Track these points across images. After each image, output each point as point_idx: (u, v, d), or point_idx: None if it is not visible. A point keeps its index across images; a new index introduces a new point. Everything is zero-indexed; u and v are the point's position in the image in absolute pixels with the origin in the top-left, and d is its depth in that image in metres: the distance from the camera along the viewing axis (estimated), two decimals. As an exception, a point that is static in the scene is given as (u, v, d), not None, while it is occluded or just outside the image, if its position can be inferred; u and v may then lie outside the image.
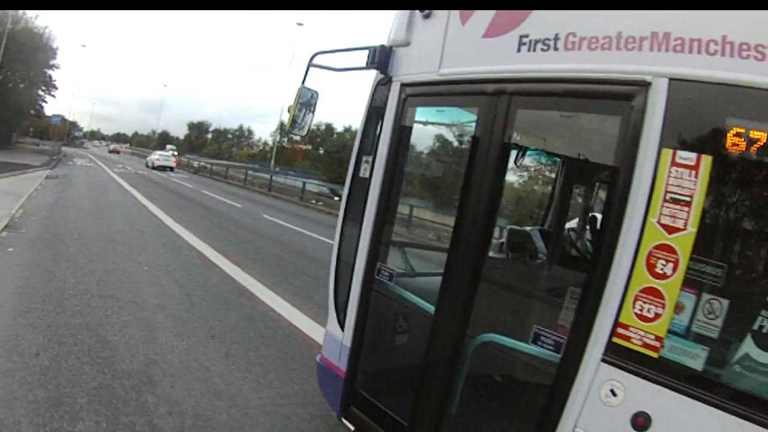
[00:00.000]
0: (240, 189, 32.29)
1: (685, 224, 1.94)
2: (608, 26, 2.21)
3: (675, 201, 1.97)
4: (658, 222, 2.00)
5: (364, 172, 3.38)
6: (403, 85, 3.10)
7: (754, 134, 1.93)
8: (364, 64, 3.25)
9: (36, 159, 30.16)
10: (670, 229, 1.98)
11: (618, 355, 2.07)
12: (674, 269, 1.96)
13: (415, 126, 3.21)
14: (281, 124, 61.52)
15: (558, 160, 5.06)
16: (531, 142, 4.64)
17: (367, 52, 3.22)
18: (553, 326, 2.51)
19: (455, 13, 2.86)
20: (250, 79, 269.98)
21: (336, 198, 25.99)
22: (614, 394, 2.06)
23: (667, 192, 1.99)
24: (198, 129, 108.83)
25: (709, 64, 1.93)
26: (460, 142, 3.98)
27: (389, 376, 3.48)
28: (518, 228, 5.30)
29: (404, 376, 3.13)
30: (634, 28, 2.13)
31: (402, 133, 3.13)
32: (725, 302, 1.95)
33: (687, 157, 1.95)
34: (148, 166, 43.39)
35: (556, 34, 2.39)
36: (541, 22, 2.46)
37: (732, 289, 2.03)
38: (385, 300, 3.28)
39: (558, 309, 3.01)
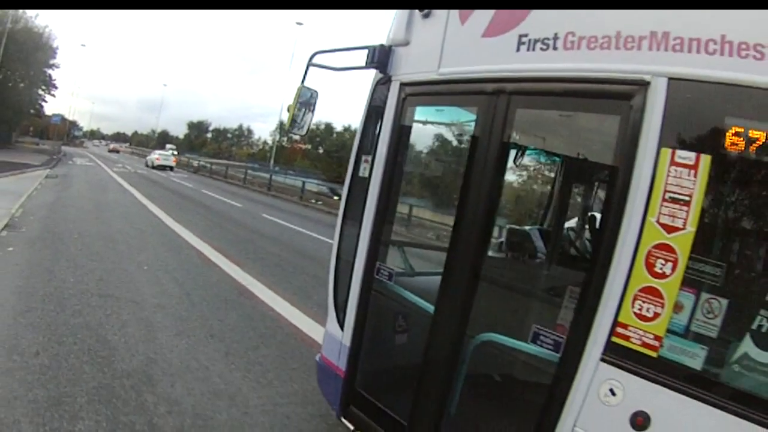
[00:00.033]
0: (240, 188, 32.28)
1: (684, 224, 1.94)
2: (607, 25, 2.21)
3: (674, 200, 1.97)
4: (658, 221, 2.00)
5: (363, 171, 3.38)
6: (403, 85, 3.10)
7: (753, 134, 1.92)
8: (363, 64, 3.24)
9: (36, 158, 30.15)
10: (670, 229, 1.97)
11: (617, 355, 2.06)
12: (673, 269, 1.96)
13: (415, 125, 3.20)
14: (281, 124, 61.48)
15: (557, 159, 5.06)
16: (530, 142, 4.64)
17: (366, 51, 3.21)
18: (553, 326, 2.51)
19: (454, 13, 2.85)
20: (249, 78, 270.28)
21: (335, 197, 26.02)
22: (613, 394, 2.06)
23: (666, 191, 1.99)
24: (198, 128, 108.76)
25: (708, 63, 1.93)
26: (460, 142, 3.96)
27: (389, 375, 3.48)
28: (518, 227, 5.31)
29: (404, 376, 3.12)
30: (634, 27, 2.13)
31: (401, 133, 3.13)
32: (724, 302, 1.95)
33: (686, 156, 1.95)
34: (147, 166, 43.43)
35: (556, 34, 2.38)
36: (540, 21, 2.45)
37: (731, 288, 2.02)
38: (384, 299, 3.27)
39: (557, 308, 3.01)
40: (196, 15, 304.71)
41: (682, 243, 1.95)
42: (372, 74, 3.35)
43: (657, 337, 1.98)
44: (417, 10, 3.02)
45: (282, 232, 14.68)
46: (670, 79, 2.02)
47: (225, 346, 5.23)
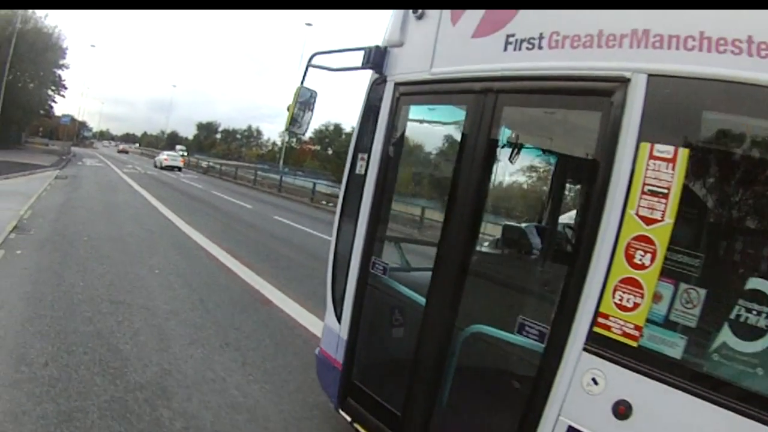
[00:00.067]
0: (249, 189, 32.23)
1: (663, 216, 2.00)
2: (590, 24, 2.28)
3: (653, 193, 2.03)
4: (637, 214, 2.06)
5: (360, 169, 3.49)
6: (397, 84, 3.21)
7: (730, 127, 2.07)
8: (360, 65, 3.36)
9: (45, 159, 30.21)
10: (648, 221, 2.03)
11: (599, 345, 2.13)
12: (652, 260, 2.02)
13: (409, 124, 3.30)
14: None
15: (542, 155, 5.10)
16: (520, 139, 4.65)
17: (363, 52, 3.34)
18: (543, 318, 2.46)
19: (446, 14, 2.95)
20: (258, 79, 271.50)
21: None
22: (596, 383, 2.12)
23: (645, 184, 2.05)
24: (207, 129, 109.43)
25: (686, 59, 1.99)
26: (451, 140, 4.06)
27: (384, 367, 3.56)
28: (512, 224, 5.42)
29: (398, 368, 3.21)
30: (615, 25, 2.19)
31: (396, 131, 3.24)
32: (702, 292, 2.00)
33: (664, 150, 2.01)
34: (156, 166, 43.88)
35: (541, 33, 2.46)
36: (526, 21, 2.54)
37: (709, 278, 2.07)
38: (379, 293, 3.39)
39: (545, 301, 3.08)
40: (205, 15, 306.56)
41: (661, 234, 2.00)
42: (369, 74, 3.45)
43: (637, 327, 2.04)
44: (411, 12, 3.13)
45: (293, 234, 14.51)
46: (649, 75, 2.08)
47: (241, 356, 5.01)
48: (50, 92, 44.33)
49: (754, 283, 1.94)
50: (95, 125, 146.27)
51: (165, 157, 45.43)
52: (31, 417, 3.43)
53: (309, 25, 69.55)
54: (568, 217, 5.17)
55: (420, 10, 3.08)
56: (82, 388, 3.91)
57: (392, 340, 3.62)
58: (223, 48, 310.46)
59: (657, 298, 2.03)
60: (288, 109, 3.68)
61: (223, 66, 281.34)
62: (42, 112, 48.15)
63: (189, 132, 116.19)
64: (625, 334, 2.06)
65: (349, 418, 3.41)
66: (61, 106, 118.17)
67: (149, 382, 4.16)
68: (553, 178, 5.15)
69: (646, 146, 2.05)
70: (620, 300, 2.08)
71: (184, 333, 5.40)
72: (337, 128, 74.92)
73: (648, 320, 2.03)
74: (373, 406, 3.24)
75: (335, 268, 3.69)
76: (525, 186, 6.43)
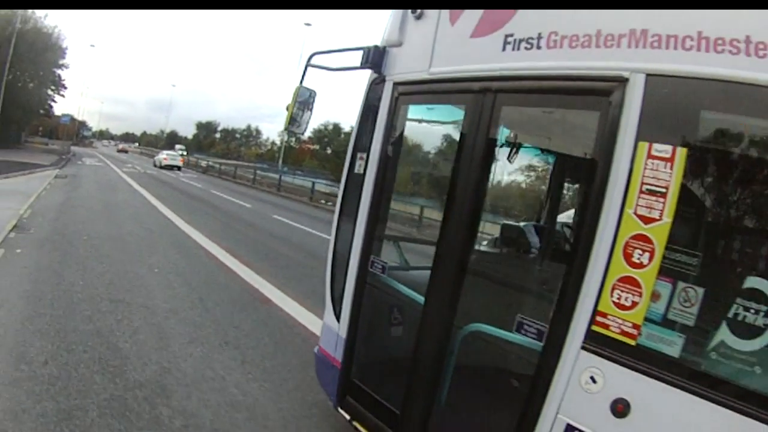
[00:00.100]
0: (249, 189, 32.21)
1: (661, 215, 2.00)
2: (589, 24, 2.28)
3: (651, 192, 2.03)
4: (635, 213, 2.06)
5: (358, 168, 3.51)
6: (396, 84, 3.22)
7: (728, 127, 2.08)
8: (359, 64, 3.37)
9: (45, 158, 30.18)
10: (646, 220, 2.03)
11: (597, 343, 2.13)
12: (650, 258, 2.02)
13: (407, 123, 3.32)
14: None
15: (541, 154, 5.12)
16: (518, 139, 4.68)
17: (362, 52, 3.35)
18: (541, 316, 2.47)
19: (445, 14, 2.95)
20: (258, 79, 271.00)
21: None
22: (594, 381, 2.12)
23: (643, 183, 2.05)
24: (206, 129, 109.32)
25: (684, 59, 1.99)
26: (450, 139, 4.08)
27: (383, 366, 3.57)
28: (509, 223, 5.43)
29: (397, 366, 3.22)
30: (614, 25, 2.20)
31: (394, 131, 3.24)
32: (700, 290, 2.00)
33: (662, 149, 2.01)
34: (156, 165, 43.93)
35: (539, 33, 2.46)
36: (525, 21, 2.54)
37: (707, 277, 2.07)
38: (378, 292, 3.40)
39: (544, 299, 3.05)
40: (205, 15, 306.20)
41: (659, 233, 2.00)
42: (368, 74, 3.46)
43: (635, 326, 2.04)
44: (410, 12, 3.13)
45: (292, 232, 14.52)
46: (647, 75, 2.08)
47: (241, 354, 5.02)
48: (50, 92, 44.27)
49: (751, 281, 1.94)
50: (95, 125, 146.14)
51: (164, 156, 45.52)
52: (30, 415, 3.43)
53: (308, 25, 69.07)
54: (566, 216, 5.18)
55: (419, 10, 3.08)
56: (81, 386, 3.91)
57: (391, 338, 3.63)
58: (223, 48, 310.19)
59: (655, 296, 2.04)
60: (287, 109, 3.68)
61: (223, 66, 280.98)
62: (42, 111, 48.12)
63: (188, 131, 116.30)
64: (624, 333, 2.06)
65: (348, 417, 3.42)
66: (60, 106, 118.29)
67: (149, 381, 4.16)
68: (552, 178, 5.15)
69: (644, 146, 2.05)
70: (618, 299, 2.08)
71: (184, 331, 5.40)
72: (336, 128, 75.00)
73: (646, 319, 2.04)
74: (372, 405, 3.25)
75: (334, 267, 3.70)
76: (523, 185, 6.47)
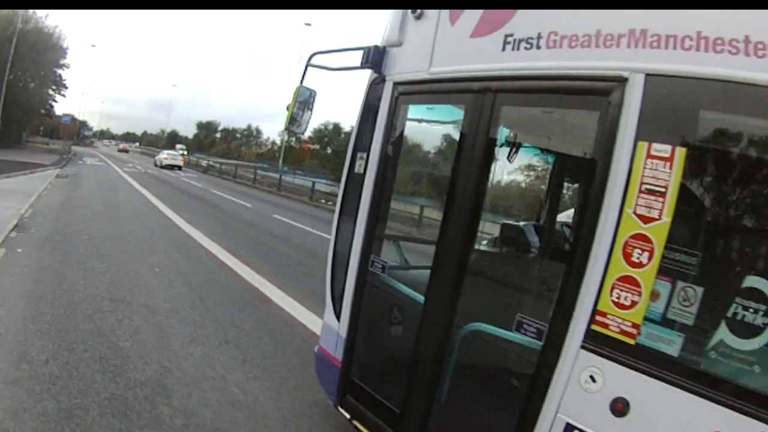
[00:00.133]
0: (249, 188, 32.23)
1: (660, 214, 2.00)
2: (588, 24, 2.28)
3: (650, 192, 2.03)
4: (634, 212, 2.07)
5: (358, 168, 3.51)
6: (396, 84, 3.22)
7: (727, 126, 2.09)
8: (359, 64, 3.38)
9: (46, 158, 30.21)
10: (646, 219, 2.04)
11: (597, 342, 2.14)
12: (650, 258, 2.02)
13: (407, 123, 3.32)
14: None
15: (541, 154, 5.13)
16: (516, 138, 4.70)
17: (362, 52, 3.35)
18: (541, 316, 2.48)
19: (445, 14, 2.96)
20: (258, 78, 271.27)
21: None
22: (594, 381, 2.13)
23: (642, 183, 2.05)
24: (207, 128, 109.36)
25: (683, 59, 1.99)
26: (449, 139, 4.08)
27: (383, 365, 3.58)
28: (509, 222, 5.44)
29: (397, 365, 3.23)
30: (613, 25, 2.20)
31: (394, 130, 3.25)
32: (699, 290, 2.00)
33: (662, 149, 2.02)
34: (156, 165, 43.99)
35: (539, 33, 2.46)
36: (525, 21, 2.55)
37: (706, 276, 2.07)
38: (378, 291, 3.41)
39: (543, 299, 3.07)
40: (205, 15, 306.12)
41: (658, 233, 2.01)
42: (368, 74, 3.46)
43: (635, 325, 2.05)
44: (410, 12, 3.14)
45: (293, 232, 14.53)
46: (647, 75, 2.09)
47: (241, 353, 5.03)
48: (51, 92, 44.25)
49: (750, 281, 1.94)
50: (96, 124, 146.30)
51: (165, 156, 45.56)
52: (31, 414, 3.44)
53: (308, 25, 69.30)
54: (566, 216, 5.18)
55: (419, 10, 3.09)
56: (82, 385, 3.92)
57: (391, 338, 3.64)
58: (223, 48, 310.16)
59: (654, 296, 2.04)
60: (287, 109, 3.68)
61: (223, 66, 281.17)
62: (43, 111, 48.11)
63: (189, 131, 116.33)
64: (623, 332, 2.06)
65: (348, 416, 3.43)
66: (61, 106, 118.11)
67: (149, 380, 4.17)
68: (551, 177, 5.16)
69: (643, 145, 2.06)
70: (618, 298, 2.08)
71: (184, 331, 5.41)
72: (336, 127, 75.01)
73: (645, 318, 2.04)
74: (372, 404, 3.26)
75: (334, 266, 3.70)
76: (523, 185, 6.47)
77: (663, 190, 2.00)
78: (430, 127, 3.84)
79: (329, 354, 3.63)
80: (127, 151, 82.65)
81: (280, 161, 58.63)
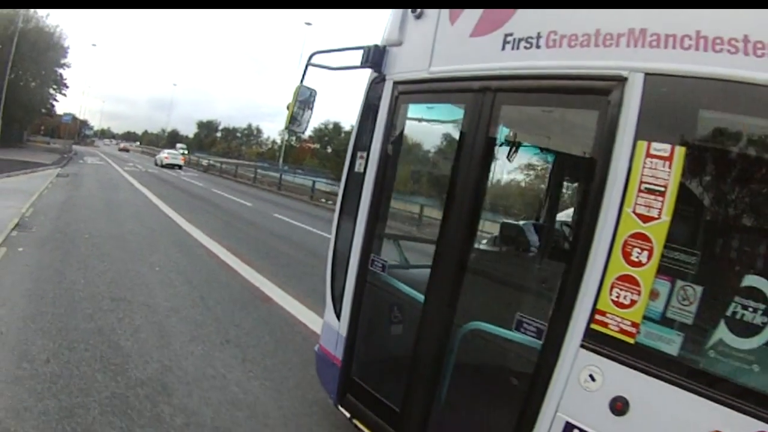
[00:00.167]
0: (249, 187, 32.23)
1: (660, 213, 2.01)
2: (588, 23, 2.28)
3: (650, 191, 2.03)
4: (634, 211, 2.07)
5: (359, 167, 3.51)
6: (396, 83, 3.22)
7: (726, 126, 2.09)
8: (359, 63, 3.38)
9: (47, 157, 30.24)
10: (645, 218, 2.04)
11: (596, 341, 2.14)
12: (649, 257, 2.02)
13: (407, 122, 3.32)
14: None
15: (540, 153, 5.13)
16: (515, 137, 4.70)
17: (362, 51, 3.35)
18: (541, 315, 2.48)
19: (445, 13, 2.95)
20: (258, 78, 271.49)
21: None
22: (593, 379, 2.13)
23: (642, 182, 2.06)
24: (207, 128, 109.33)
25: (683, 58, 2.00)
26: (449, 138, 4.06)
27: (383, 364, 3.58)
28: (508, 221, 5.44)
29: (397, 364, 3.23)
30: (613, 25, 2.20)
31: (394, 130, 3.25)
32: (699, 289, 2.00)
33: (661, 148, 2.02)
34: (157, 164, 43.96)
35: (539, 33, 2.46)
36: (524, 20, 2.55)
37: (705, 275, 2.07)
38: (378, 290, 3.40)
39: (543, 298, 3.06)
40: (205, 15, 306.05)
41: (658, 232, 2.01)
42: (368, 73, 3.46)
43: (634, 324, 2.05)
44: (410, 11, 3.13)
45: (293, 231, 14.52)
46: (646, 74, 2.09)
47: (241, 352, 5.03)
48: (52, 91, 44.22)
49: (750, 280, 1.95)
50: (96, 124, 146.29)
51: (166, 155, 45.56)
52: (32, 413, 3.45)
53: (308, 24, 69.48)
54: (565, 215, 5.18)
55: (419, 10, 3.08)
56: (83, 384, 3.93)
57: (391, 337, 3.64)
58: (223, 47, 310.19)
59: (654, 295, 2.04)
60: (288, 108, 3.68)
61: (223, 65, 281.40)
62: (44, 110, 48.08)
63: (189, 130, 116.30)
64: (622, 331, 2.07)
65: (348, 414, 3.43)
66: (62, 105, 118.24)
67: (150, 379, 4.18)
68: (551, 176, 5.16)
69: (643, 144, 2.06)
70: (617, 297, 2.09)
71: (185, 330, 5.41)
72: (337, 127, 74.90)
73: (645, 317, 2.04)
74: (372, 403, 3.26)
75: (334, 265, 3.70)
76: (523, 184, 6.47)
77: (662, 189, 2.00)
78: (430, 127, 3.83)
79: (329, 353, 3.63)
80: (127, 151, 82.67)
81: (281, 160, 58.60)
